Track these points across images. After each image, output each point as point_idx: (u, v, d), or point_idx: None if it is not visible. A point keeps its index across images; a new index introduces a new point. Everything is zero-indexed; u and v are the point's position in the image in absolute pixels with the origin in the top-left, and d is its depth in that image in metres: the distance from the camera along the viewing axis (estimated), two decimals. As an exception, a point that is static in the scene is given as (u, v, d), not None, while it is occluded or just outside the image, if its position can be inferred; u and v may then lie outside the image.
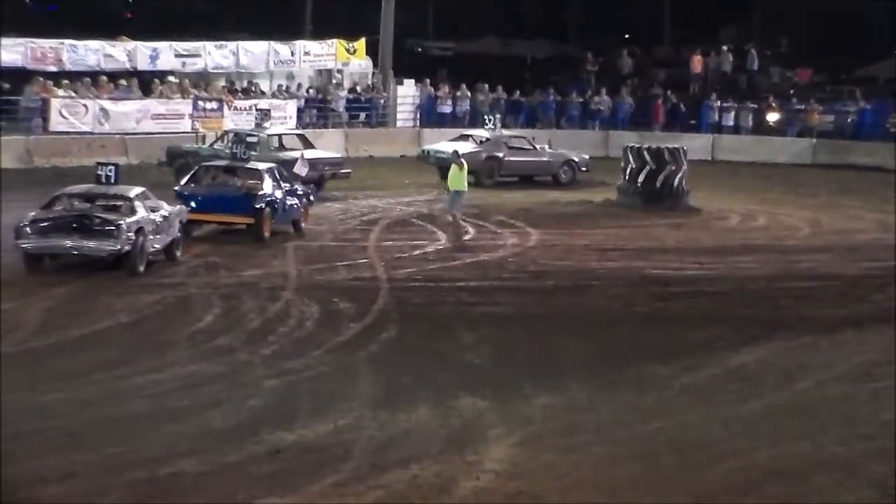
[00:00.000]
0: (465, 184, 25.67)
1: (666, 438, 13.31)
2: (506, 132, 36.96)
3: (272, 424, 13.16)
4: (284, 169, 26.00)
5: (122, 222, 20.18)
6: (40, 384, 14.33)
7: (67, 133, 35.61)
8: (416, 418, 13.64)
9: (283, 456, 12.32)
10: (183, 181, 24.94)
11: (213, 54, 40.70)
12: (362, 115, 43.92)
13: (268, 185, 24.12)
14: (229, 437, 12.81)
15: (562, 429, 13.56)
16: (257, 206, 23.64)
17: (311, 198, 26.31)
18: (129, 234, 20.14)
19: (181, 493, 11.30)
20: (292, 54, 42.54)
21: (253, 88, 40.99)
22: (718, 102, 45.10)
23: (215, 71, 41.01)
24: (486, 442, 12.93)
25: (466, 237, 25.23)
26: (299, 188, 25.64)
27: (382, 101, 44.06)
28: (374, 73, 44.87)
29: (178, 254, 21.90)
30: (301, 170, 27.32)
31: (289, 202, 24.72)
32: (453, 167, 25.62)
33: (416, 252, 23.78)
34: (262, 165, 25.13)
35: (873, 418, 14.30)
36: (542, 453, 12.72)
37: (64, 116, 36.01)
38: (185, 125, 37.95)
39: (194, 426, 13.13)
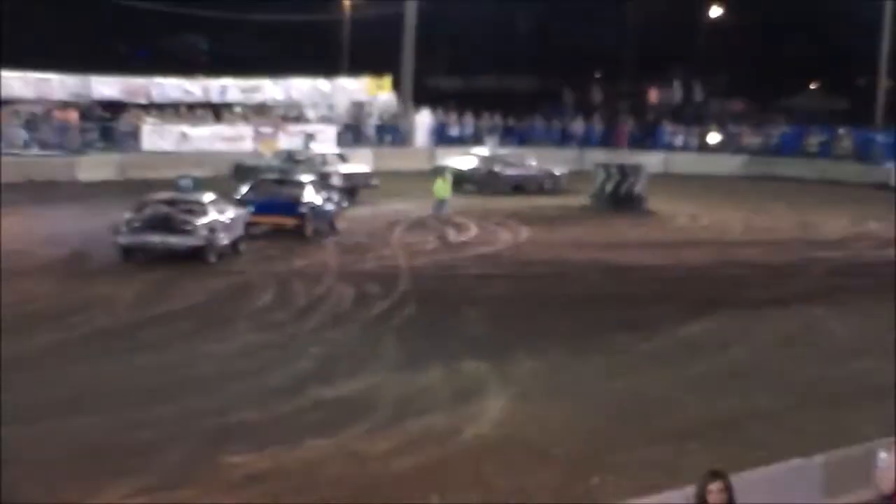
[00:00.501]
0: (449, 193, 25.58)
1: (629, 393, 13.29)
2: (502, 151, 36.89)
3: (316, 383, 13.15)
4: (325, 180, 25.96)
5: (198, 222, 20.19)
6: (129, 351, 14.35)
7: (155, 152, 35.71)
8: (430, 378, 13.61)
9: (324, 408, 12.30)
10: (244, 190, 24.87)
11: (270, 89, 40.96)
12: (388, 137, 43.88)
13: (310, 194, 24.12)
14: (281, 392, 12.79)
15: (546, 386, 13.55)
16: (302, 210, 23.64)
17: (345, 204, 26.27)
18: (204, 231, 20.16)
19: (245, 436, 11.29)
20: (332, 89, 42.65)
21: (301, 116, 41.05)
22: (670, 127, 45.10)
23: (272, 102, 41.19)
24: (485, 397, 12.91)
25: (469, 234, 25.14)
26: (335, 196, 25.63)
27: (404, 126, 44.02)
28: (397, 104, 44.81)
29: (242, 248, 21.88)
30: (337, 181, 27.21)
31: (327, 207, 24.68)
32: (438, 180, 25.56)
33: (430, 247, 23.69)
34: (305, 178, 25.14)
35: (793, 378, 14.26)
36: (530, 405, 12.70)
37: (152, 139, 36.22)
38: (248, 146, 37.96)
39: (254, 384, 13.11)
